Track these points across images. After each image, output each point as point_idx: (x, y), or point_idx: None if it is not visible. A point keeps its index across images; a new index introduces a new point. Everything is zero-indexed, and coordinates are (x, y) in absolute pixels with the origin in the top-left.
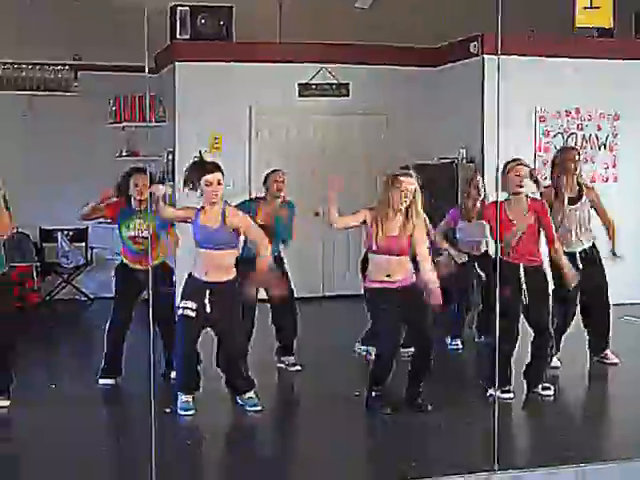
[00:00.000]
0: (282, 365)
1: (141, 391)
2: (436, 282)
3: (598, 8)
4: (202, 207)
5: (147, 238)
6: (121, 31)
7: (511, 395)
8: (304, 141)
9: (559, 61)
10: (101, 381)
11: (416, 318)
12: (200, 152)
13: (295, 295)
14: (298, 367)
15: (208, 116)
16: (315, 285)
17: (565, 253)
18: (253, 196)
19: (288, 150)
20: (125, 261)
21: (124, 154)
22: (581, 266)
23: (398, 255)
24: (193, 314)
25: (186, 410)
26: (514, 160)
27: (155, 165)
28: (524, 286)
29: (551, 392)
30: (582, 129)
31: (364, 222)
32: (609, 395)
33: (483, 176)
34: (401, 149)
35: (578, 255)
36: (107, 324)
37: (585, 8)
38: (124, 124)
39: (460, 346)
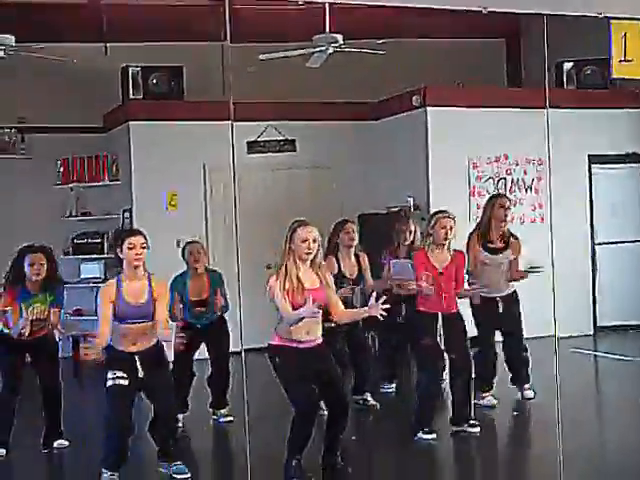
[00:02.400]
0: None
1: None
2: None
3: (631, 61)
4: (119, 277)
5: (44, 320)
6: (68, 92)
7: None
8: (256, 196)
9: (487, 111)
10: None
11: (331, 377)
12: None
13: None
14: (230, 418)
15: (163, 174)
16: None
17: (487, 299)
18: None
19: (241, 205)
20: (7, 332)
21: (73, 214)
22: (501, 310)
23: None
24: (126, 382)
25: None
26: (440, 212)
27: (107, 224)
28: (441, 332)
29: (477, 429)
30: (510, 173)
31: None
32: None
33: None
34: (349, 199)
35: (500, 299)
36: None
37: (620, 61)
38: (72, 185)
39: (393, 389)
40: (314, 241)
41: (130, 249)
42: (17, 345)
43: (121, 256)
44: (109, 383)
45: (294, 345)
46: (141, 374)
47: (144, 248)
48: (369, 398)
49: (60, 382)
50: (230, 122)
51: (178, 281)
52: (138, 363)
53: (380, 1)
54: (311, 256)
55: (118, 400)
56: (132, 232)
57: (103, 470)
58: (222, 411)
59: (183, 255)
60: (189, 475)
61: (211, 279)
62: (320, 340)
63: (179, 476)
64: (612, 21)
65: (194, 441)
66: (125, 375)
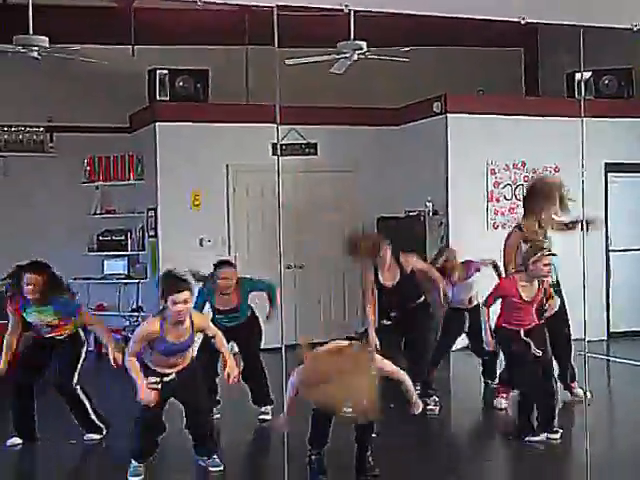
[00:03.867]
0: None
1: None
2: None
3: None
4: (162, 319)
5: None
6: (96, 93)
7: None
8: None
9: (506, 118)
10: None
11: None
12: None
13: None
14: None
15: (187, 174)
16: (290, 333)
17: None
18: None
19: (263, 206)
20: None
21: (98, 212)
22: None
23: None
24: (158, 386)
25: (136, 475)
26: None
27: (132, 222)
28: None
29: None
30: (527, 180)
31: None
32: None
33: (448, 226)
34: (369, 203)
35: None
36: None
37: None
38: (98, 183)
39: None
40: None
41: (174, 304)
42: (40, 341)
43: (164, 305)
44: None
45: None
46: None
47: (187, 303)
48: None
49: (74, 384)
50: (276, 125)
51: (205, 293)
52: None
53: (413, 10)
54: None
55: (149, 405)
56: (178, 288)
57: (132, 460)
58: (263, 408)
59: (212, 275)
60: (222, 467)
61: (242, 287)
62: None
63: (214, 469)
64: None
65: (231, 435)
66: (157, 381)
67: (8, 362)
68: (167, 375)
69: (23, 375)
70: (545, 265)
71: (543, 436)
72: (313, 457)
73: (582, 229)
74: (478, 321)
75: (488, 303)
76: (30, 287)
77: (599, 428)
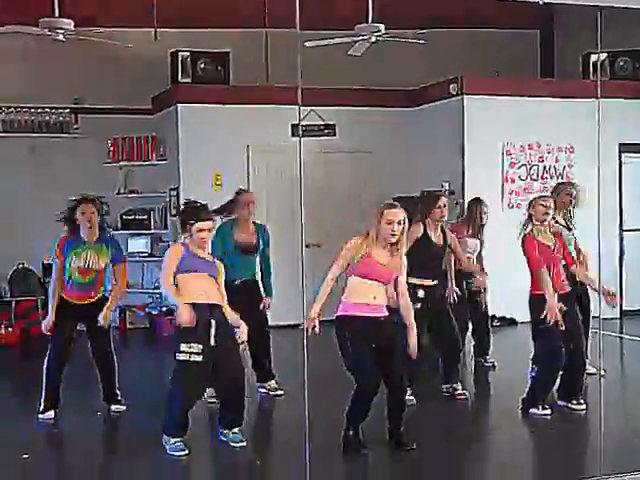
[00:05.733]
0: (263, 390)
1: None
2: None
3: None
4: (182, 245)
5: (97, 270)
6: (120, 76)
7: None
8: (297, 177)
9: (522, 100)
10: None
11: (391, 352)
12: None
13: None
14: (280, 392)
15: (208, 154)
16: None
17: None
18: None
19: (283, 186)
20: (65, 297)
21: (121, 192)
22: None
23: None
24: (199, 358)
25: (181, 450)
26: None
27: (154, 201)
28: None
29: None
30: (543, 161)
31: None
32: None
33: (464, 206)
34: (387, 183)
35: None
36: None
37: None
38: (121, 163)
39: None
40: (399, 223)
41: (199, 232)
42: (72, 310)
43: (188, 233)
44: (181, 357)
45: (362, 314)
46: (213, 342)
47: (210, 231)
48: (458, 387)
49: (112, 348)
50: (298, 107)
51: (224, 228)
52: (213, 329)
53: None
54: (395, 238)
55: (190, 377)
56: (204, 216)
57: (168, 437)
58: (270, 384)
59: (232, 201)
60: (245, 443)
61: (258, 230)
62: (386, 313)
63: (237, 444)
64: None
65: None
66: (200, 350)
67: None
68: (209, 319)
69: (61, 345)
70: (543, 206)
71: (548, 411)
72: (350, 433)
73: (598, 211)
74: None
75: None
76: (87, 216)
77: (613, 403)
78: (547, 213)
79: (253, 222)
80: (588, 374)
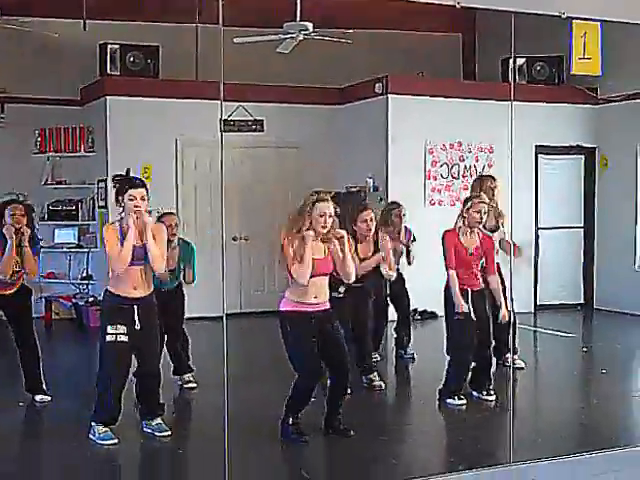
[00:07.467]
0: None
1: None
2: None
3: (590, 59)
4: (120, 221)
5: (19, 271)
6: (47, 65)
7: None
8: (226, 171)
9: (444, 100)
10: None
11: (333, 343)
12: (127, 170)
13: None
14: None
15: (137, 147)
16: (235, 303)
17: None
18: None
19: (211, 180)
20: None
21: (49, 182)
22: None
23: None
24: (125, 338)
25: (110, 439)
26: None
27: (82, 192)
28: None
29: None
30: (463, 160)
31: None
32: None
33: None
34: (311, 179)
35: None
36: None
37: (579, 59)
38: (49, 154)
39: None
40: (330, 216)
41: (130, 200)
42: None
43: (122, 204)
44: (109, 338)
45: (304, 309)
46: (137, 326)
47: (144, 200)
48: (375, 378)
49: (36, 337)
50: (220, 102)
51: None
52: (136, 314)
53: None
54: (326, 230)
55: (117, 357)
56: (133, 184)
57: (96, 424)
58: (185, 377)
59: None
60: (170, 432)
61: (183, 251)
62: (328, 305)
63: (161, 434)
64: (574, 21)
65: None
66: (125, 331)
67: None
68: (132, 305)
69: None
70: (476, 212)
71: (463, 401)
72: (290, 421)
73: (511, 209)
74: None
75: None
76: (17, 217)
77: (526, 394)
78: (479, 222)
79: (179, 240)
80: (516, 368)
